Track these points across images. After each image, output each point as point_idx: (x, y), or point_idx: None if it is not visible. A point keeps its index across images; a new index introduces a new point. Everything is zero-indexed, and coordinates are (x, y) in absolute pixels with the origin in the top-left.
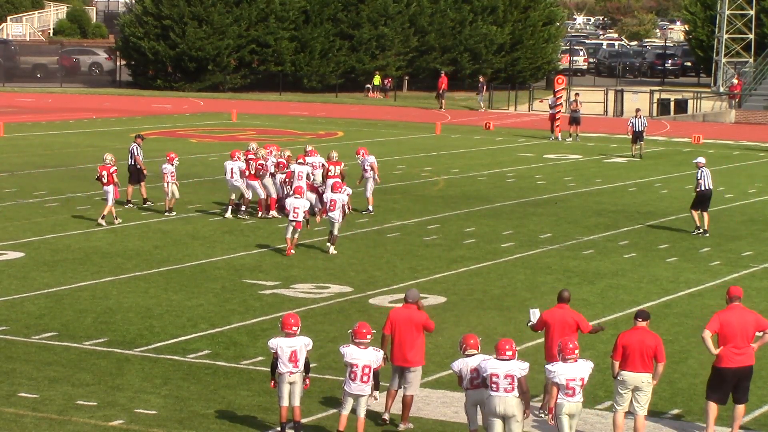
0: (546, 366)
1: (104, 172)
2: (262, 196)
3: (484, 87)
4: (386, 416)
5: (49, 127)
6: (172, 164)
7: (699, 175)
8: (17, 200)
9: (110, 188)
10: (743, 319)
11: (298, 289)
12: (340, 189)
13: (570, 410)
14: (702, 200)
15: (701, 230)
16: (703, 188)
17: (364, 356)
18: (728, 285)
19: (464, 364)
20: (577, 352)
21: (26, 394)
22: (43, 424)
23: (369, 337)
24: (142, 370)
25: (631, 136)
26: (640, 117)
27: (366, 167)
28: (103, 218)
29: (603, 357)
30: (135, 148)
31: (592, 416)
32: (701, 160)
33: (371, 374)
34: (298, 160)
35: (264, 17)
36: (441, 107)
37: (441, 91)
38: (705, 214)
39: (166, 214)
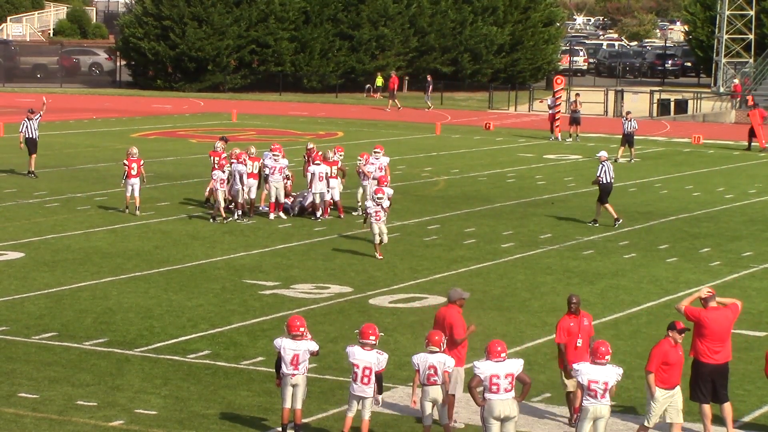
0: (573, 365)
1: (134, 165)
2: (243, 198)
3: (430, 86)
4: (454, 424)
5: (49, 127)
6: (222, 171)
7: (600, 169)
8: (17, 200)
9: (137, 180)
10: (724, 318)
11: (298, 290)
12: (385, 183)
13: (595, 414)
14: (604, 193)
15: (609, 222)
16: (604, 181)
17: (366, 358)
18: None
19: (423, 360)
20: (607, 357)
21: (26, 395)
22: (43, 425)
23: (372, 339)
24: (142, 371)
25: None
26: (631, 120)
27: (382, 166)
28: (137, 209)
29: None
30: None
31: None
32: (603, 154)
33: (372, 376)
34: (315, 161)
35: (264, 18)
36: (397, 107)
37: (391, 91)
38: (608, 205)
39: (211, 221)
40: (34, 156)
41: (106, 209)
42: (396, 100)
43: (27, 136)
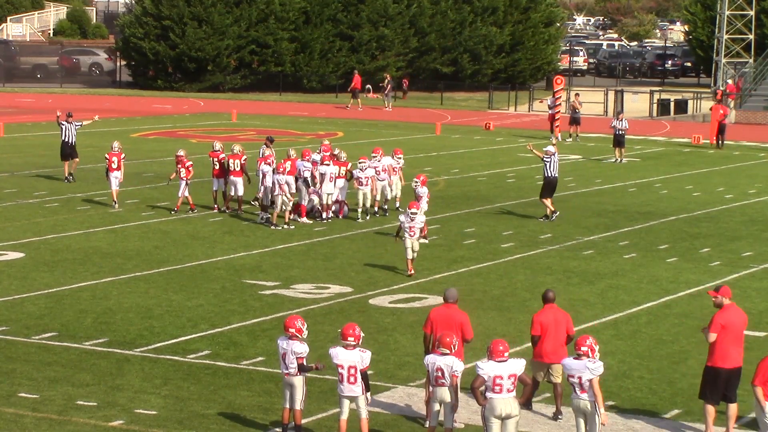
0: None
1: (114, 159)
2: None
3: (390, 86)
4: (455, 423)
5: (49, 127)
6: (284, 174)
7: (545, 162)
8: (17, 200)
9: (119, 174)
10: (739, 320)
11: (298, 290)
12: (425, 183)
13: (578, 408)
14: (549, 188)
15: (553, 216)
16: (548, 175)
17: (350, 357)
18: (728, 285)
19: (432, 361)
20: (584, 349)
21: (26, 394)
22: (43, 424)
23: (352, 339)
24: (142, 371)
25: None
26: (622, 120)
27: (384, 168)
28: (115, 202)
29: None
30: (263, 151)
31: None
32: (550, 148)
33: (358, 375)
34: (325, 162)
35: (264, 18)
36: (358, 106)
37: (353, 90)
38: (548, 200)
39: (273, 227)
40: (68, 161)
41: (105, 209)
42: (358, 99)
43: (64, 139)
